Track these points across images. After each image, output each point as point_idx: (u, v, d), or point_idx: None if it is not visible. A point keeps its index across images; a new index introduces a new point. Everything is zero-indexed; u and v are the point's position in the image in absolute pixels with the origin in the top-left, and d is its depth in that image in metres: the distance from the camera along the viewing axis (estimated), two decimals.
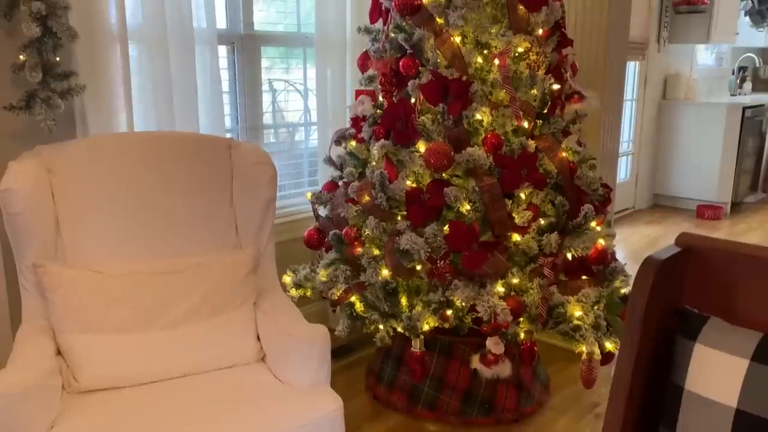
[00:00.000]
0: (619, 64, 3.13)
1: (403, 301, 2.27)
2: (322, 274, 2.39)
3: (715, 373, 1.21)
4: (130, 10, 2.26)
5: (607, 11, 2.97)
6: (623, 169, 5.89)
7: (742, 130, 5.82)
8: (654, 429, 1.32)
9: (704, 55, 6.61)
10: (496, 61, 2.23)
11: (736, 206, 6.11)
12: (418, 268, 2.19)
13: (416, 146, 2.27)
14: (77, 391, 1.79)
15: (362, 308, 2.30)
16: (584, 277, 2.26)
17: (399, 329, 2.26)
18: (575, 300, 2.17)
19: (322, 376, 1.86)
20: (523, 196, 2.22)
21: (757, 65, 7.33)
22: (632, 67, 5.67)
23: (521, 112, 2.22)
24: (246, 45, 2.80)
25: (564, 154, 2.26)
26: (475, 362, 2.24)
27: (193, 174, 2.14)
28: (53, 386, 1.70)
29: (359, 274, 2.31)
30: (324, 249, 2.58)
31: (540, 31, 2.28)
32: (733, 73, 6.98)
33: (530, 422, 2.52)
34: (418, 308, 2.21)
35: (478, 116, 2.21)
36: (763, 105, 6.12)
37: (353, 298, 2.32)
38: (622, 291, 2.30)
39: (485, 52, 2.28)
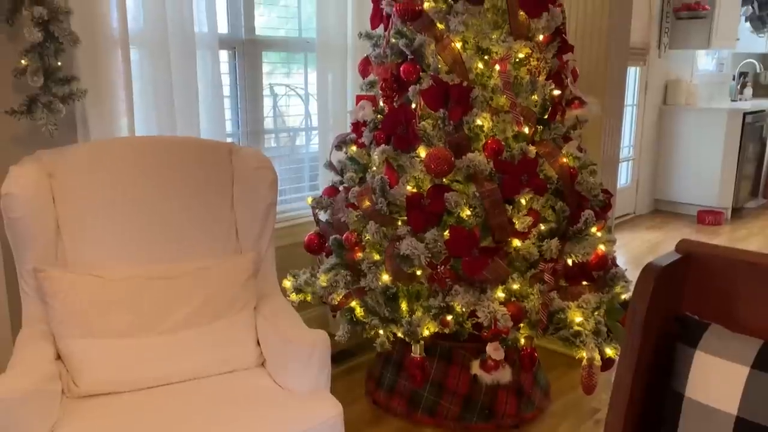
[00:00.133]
0: (619, 70, 3.14)
1: (404, 306, 2.26)
2: (323, 279, 2.39)
3: (715, 380, 1.21)
4: (131, 14, 2.27)
5: (607, 17, 2.97)
6: (624, 175, 5.90)
7: (742, 136, 5.82)
8: None
9: (705, 61, 6.62)
10: (497, 67, 2.23)
11: (737, 212, 6.11)
12: (419, 273, 2.19)
13: (417, 151, 2.27)
14: (77, 396, 1.78)
15: (362, 313, 2.30)
16: (585, 283, 2.26)
17: (399, 334, 2.26)
18: (576, 306, 2.17)
19: (322, 381, 1.86)
20: (523, 201, 2.22)
21: (758, 71, 7.33)
22: (633, 73, 5.67)
23: (522, 118, 2.22)
24: (247, 50, 2.80)
25: (564, 160, 2.26)
26: (476, 368, 2.24)
27: (193, 178, 2.14)
28: (53, 391, 1.70)
29: (359, 279, 2.31)
30: (324, 254, 2.58)
31: (541, 37, 2.29)
32: (733, 79, 6.98)
33: (530, 428, 2.51)
34: (419, 313, 2.21)
35: (478, 122, 2.22)
36: (763, 111, 6.11)
37: (353, 303, 2.32)
38: (623, 297, 2.29)
39: (486, 57, 2.28)
